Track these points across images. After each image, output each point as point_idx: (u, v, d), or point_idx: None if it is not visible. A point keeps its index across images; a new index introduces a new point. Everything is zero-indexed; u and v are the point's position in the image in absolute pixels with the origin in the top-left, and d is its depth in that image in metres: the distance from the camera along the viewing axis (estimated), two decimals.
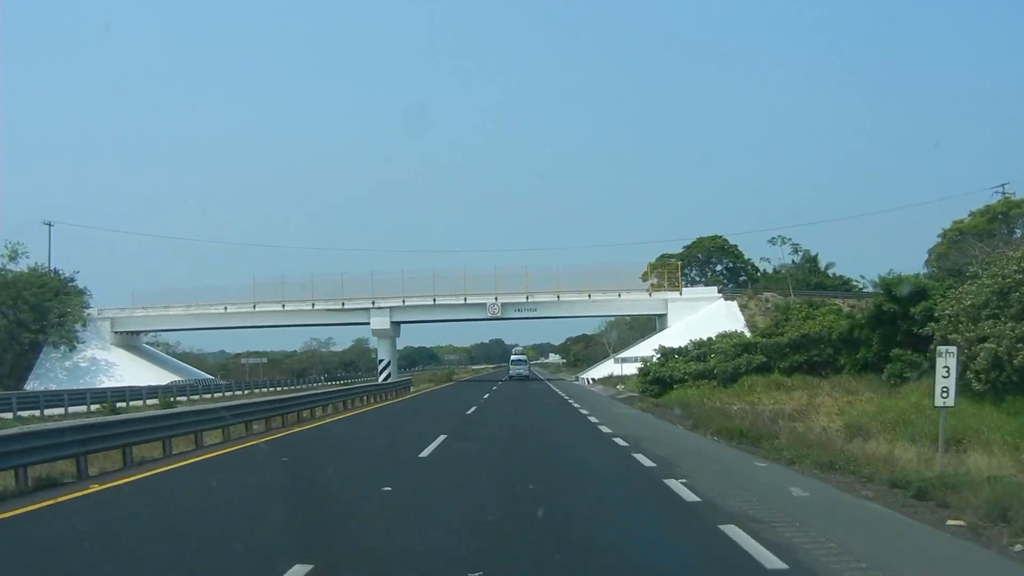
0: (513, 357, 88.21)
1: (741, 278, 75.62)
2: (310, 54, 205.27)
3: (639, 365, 43.99)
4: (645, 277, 68.39)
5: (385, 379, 63.49)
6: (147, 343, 78.69)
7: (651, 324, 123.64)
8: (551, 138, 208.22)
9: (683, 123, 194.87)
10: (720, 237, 76.29)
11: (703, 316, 61.87)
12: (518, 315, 64.07)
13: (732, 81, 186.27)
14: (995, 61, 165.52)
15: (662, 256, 75.01)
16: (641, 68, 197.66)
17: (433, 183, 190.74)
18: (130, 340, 70.07)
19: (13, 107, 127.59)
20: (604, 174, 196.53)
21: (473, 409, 32.59)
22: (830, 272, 71.20)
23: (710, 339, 41.02)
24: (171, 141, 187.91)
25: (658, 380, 38.72)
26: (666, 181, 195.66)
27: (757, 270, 76.23)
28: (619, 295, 63.25)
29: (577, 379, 67.63)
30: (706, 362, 35.96)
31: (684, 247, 75.56)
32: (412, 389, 53.80)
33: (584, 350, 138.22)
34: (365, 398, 38.18)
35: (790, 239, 63.07)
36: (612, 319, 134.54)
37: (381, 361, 65.37)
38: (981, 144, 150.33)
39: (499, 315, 62.59)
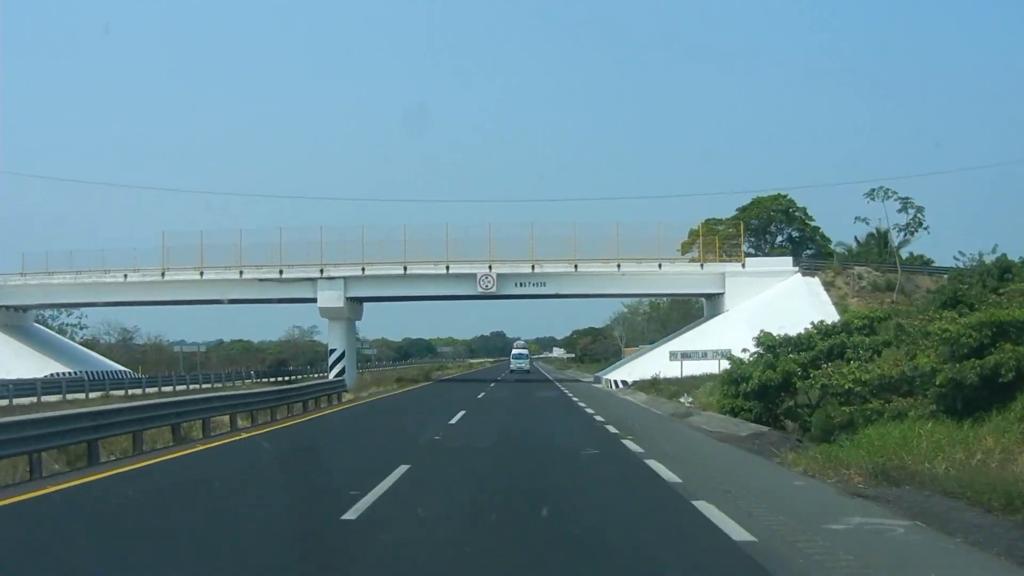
0: (514, 351, 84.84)
1: (807, 251, 58.32)
2: (309, 54, 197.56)
3: (719, 362, 26.91)
4: (685, 249, 51.04)
5: (337, 376, 46.42)
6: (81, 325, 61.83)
7: (691, 309, 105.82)
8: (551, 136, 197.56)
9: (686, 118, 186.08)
10: (784, 196, 58.96)
11: (775, 296, 44.74)
12: (520, 291, 46.79)
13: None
14: (995, 60, 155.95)
15: (707, 222, 57.76)
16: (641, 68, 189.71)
17: (433, 183, 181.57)
18: (13, 318, 53.06)
19: None
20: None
21: (393, 479, 13.65)
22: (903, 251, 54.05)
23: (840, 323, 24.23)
24: (173, 141, 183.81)
25: (763, 391, 21.75)
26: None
27: (828, 240, 58.96)
28: (659, 266, 45.96)
29: (598, 380, 50.27)
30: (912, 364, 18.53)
31: (738, 209, 58.16)
32: (361, 395, 36.81)
33: (592, 344, 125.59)
34: (253, 414, 21.23)
35: (894, 192, 45.50)
36: (626, 307, 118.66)
37: (332, 352, 48.18)
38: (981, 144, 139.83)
39: (493, 290, 45.36)
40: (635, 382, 39.51)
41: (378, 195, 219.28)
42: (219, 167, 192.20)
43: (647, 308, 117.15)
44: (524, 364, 78.05)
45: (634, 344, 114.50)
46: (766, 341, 23.34)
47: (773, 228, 59.36)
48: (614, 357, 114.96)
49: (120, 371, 60.00)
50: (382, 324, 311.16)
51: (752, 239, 59.61)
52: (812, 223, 58.32)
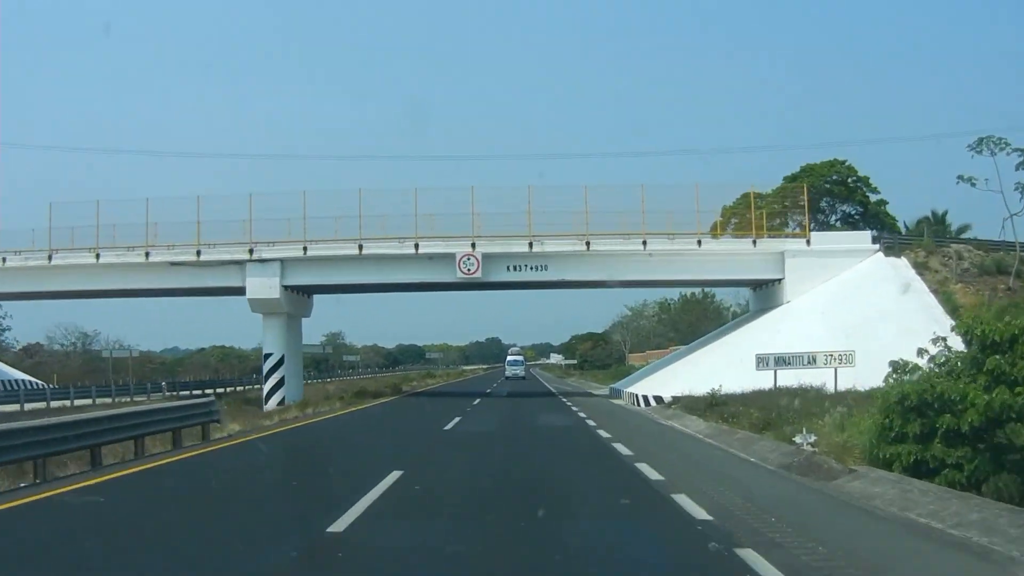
0: (509, 357, 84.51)
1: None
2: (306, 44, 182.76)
3: (834, 373, 15.46)
4: (716, 232, 39.44)
5: (275, 388, 35.17)
6: None
7: (707, 310, 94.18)
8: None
9: None
10: (841, 163, 47.53)
11: (852, 282, 33.65)
12: (514, 277, 35.27)
13: None
14: None
15: (743, 198, 46.42)
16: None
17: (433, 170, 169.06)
18: None
19: None
20: None
21: None
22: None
23: None
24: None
25: (985, 430, 10.51)
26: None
27: (893, 220, 47.58)
28: (698, 243, 34.55)
29: (616, 394, 38.72)
30: None
31: (785, 178, 46.68)
32: (285, 418, 25.32)
33: (592, 350, 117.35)
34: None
35: (1006, 142, 33.91)
36: (630, 309, 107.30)
37: (267, 358, 36.61)
38: None
39: (478, 276, 33.90)
40: (675, 399, 28.11)
41: (332, 151, 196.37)
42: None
43: (655, 309, 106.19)
44: (520, 370, 78.39)
45: (639, 350, 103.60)
46: (988, 334, 11.87)
47: (825, 204, 48.07)
48: (617, 363, 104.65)
49: (20, 380, 48.96)
50: (374, 330, 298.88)
51: (798, 218, 48.12)
52: (877, 195, 47.08)
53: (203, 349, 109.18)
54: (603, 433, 18.59)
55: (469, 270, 33.66)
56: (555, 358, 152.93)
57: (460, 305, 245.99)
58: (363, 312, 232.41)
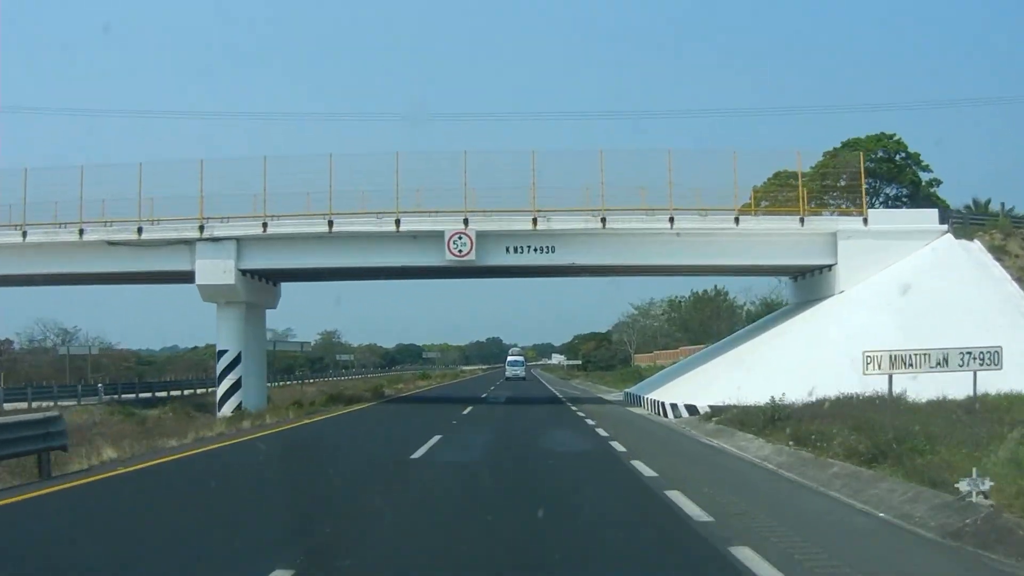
0: (510, 357, 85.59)
1: None
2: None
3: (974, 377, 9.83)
4: (749, 210, 33.38)
5: (230, 392, 29.64)
6: None
7: (720, 308, 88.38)
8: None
9: None
10: (890, 137, 41.72)
11: (918, 269, 28.04)
12: (515, 260, 29.38)
13: None
14: None
15: (776, 177, 40.73)
16: None
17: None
18: None
19: None
20: None
21: None
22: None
23: None
24: None
25: None
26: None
27: (944, 203, 41.74)
28: (735, 220, 28.81)
29: (634, 401, 32.94)
30: None
31: (825, 154, 40.76)
32: (222, 434, 19.60)
33: (596, 351, 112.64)
34: None
35: None
36: (635, 307, 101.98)
37: (221, 355, 30.83)
38: None
39: (471, 259, 28.11)
40: (714, 409, 22.41)
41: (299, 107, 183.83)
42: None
43: (664, 307, 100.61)
44: (520, 371, 79.55)
45: (646, 350, 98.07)
46: None
47: (868, 185, 42.29)
48: (622, 365, 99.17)
49: None
50: (373, 329, 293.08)
51: (836, 201, 42.30)
52: (929, 174, 41.31)
53: (195, 348, 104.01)
54: (643, 468, 12.87)
55: (461, 252, 27.95)
56: (557, 358, 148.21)
57: (460, 303, 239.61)
58: (362, 311, 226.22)
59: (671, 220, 28.27)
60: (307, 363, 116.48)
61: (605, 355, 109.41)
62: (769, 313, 75.71)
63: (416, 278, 35.44)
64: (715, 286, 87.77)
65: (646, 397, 29.81)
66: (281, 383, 54.83)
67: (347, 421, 24.82)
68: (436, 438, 17.18)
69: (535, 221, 28.22)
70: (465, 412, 26.75)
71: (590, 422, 22.53)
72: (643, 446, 16.51)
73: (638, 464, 13.23)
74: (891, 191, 43.51)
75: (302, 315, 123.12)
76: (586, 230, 28.38)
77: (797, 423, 16.47)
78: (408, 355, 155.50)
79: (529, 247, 28.68)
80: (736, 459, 15.50)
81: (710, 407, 23.39)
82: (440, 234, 28.13)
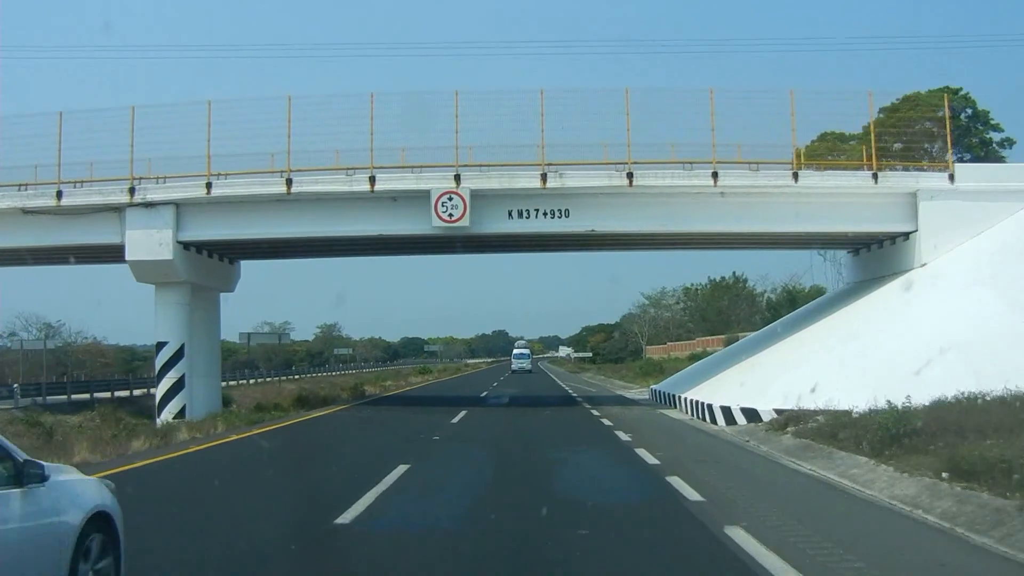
0: (516, 351, 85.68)
1: None
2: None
3: None
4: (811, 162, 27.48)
5: (171, 393, 24.07)
6: None
7: (740, 295, 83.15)
8: None
9: None
10: (955, 92, 35.72)
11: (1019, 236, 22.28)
12: (520, 227, 23.39)
13: None
14: None
15: (823, 138, 34.95)
16: None
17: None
18: None
19: None
20: None
21: None
22: None
23: None
24: None
25: None
26: None
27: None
28: (794, 176, 23.00)
29: (664, 399, 27.19)
30: None
31: (882, 110, 34.78)
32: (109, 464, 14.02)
33: (605, 343, 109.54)
34: None
35: None
36: (647, 297, 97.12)
37: (160, 348, 25.06)
38: None
39: (464, 225, 22.28)
40: (782, 414, 16.76)
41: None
42: None
43: (679, 296, 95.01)
44: (526, 364, 78.94)
45: (658, 342, 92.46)
46: None
47: (927, 149, 36.43)
48: (632, 357, 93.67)
49: None
50: (376, 322, 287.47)
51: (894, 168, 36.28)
52: (1000, 133, 35.49)
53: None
54: (752, 546, 7.11)
55: (451, 216, 22.21)
56: (564, 351, 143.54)
57: (464, 293, 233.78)
58: (365, 303, 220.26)
59: (714, 176, 22.52)
60: (307, 357, 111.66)
61: (615, 347, 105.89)
62: (792, 301, 70.28)
63: (398, 252, 29.53)
64: (733, 272, 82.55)
65: (682, 396, 24.04)
66: (261, 380, 49.26)
67: (289, 437, 18.47)
68: (396, 473, 11.33)
69: (544, 178, 22.45)
70: (455, 420, 20.89)
71: (622, 436, 16.77)
72: (719, 483, 10.82)
73: (738, 535, 7.52)
74: (955, 155, 37.58)
75: (306, 308, 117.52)
76: (608, 188, 22.58)
77: (919, 438, 10.80)
78: (412, 349, 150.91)
79: (537, 211, 22.90)
80: (873, 508, 9.78)
81: (776, 412, 17.74)
82: (425, 194, 22.38)
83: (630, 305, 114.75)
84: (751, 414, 18.48)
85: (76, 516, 5.16)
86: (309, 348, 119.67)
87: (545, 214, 22.89)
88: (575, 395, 33.72)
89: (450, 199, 22.20)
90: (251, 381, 49.36)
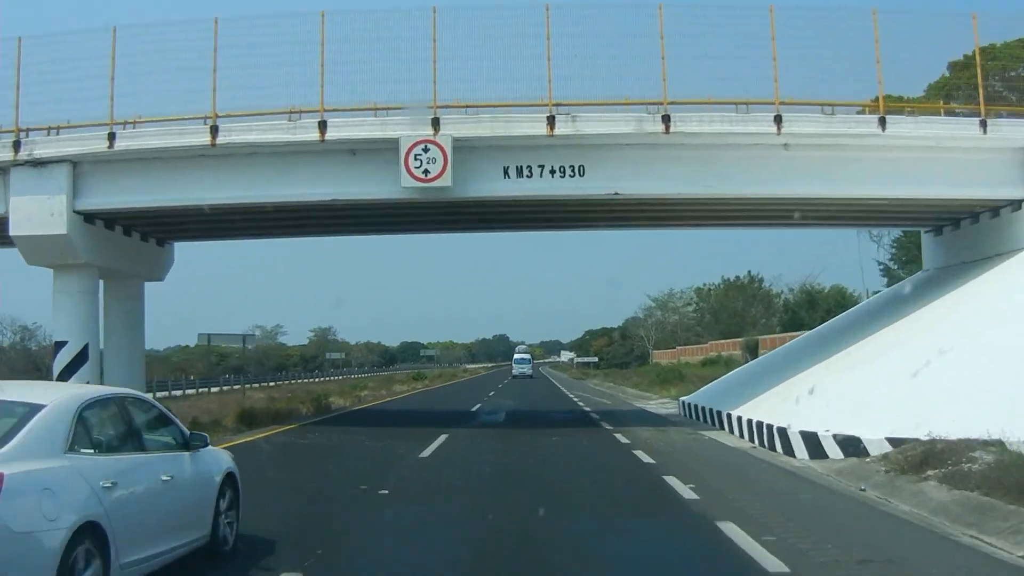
0: (516, 356, 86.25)
1: None
2: None
3: None
4: (901, 105, 21.69)
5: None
6: None
7: (755, 295, 79.12)
8: None
9: None
10: None
11: None
12: (518, 189, 17.66)
13: None
14: None
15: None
16: None
17: None
18: None
19: None
20: None
21: None
22: None
23: None
24: None
25: None
26: None
27: None
28: (880, 123, 17.38)
29: (706, 415, 21.53)
30: None
31: (951, 64, 29.12)
32: None
33: (609, 347, 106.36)
34: None
35: None
36: (653, 299, 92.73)
37: (59, 348, 19.40)
38: None
39: (444, 185, 16.71)
40: (902, 444, 11.17)
41: None
42: None
43: (690, 296, 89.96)
44: (527, 369, 79.53)
45: (665, 346, 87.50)
46: None
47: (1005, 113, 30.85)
48: (638, 362, 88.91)
49: None
50: (375, 327, 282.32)
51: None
52: None
53: (186, 346, 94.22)
54: None
55: (428, 174, 16.56)
56: (566, 356, 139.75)
57: (463, 296, 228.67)
58: (363, 307, 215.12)
59: (777, 120, 16.87)
60: (300, 362, 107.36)
61: (619, 352, 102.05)
62: (812, 302, 64.69)
63: (359, 227, 22.87)
64: (748, 272, 77.53)
65: (733, 415, 18.30)
66: (228, 389, 43.72)
67: None
68: None
69: (552, 122, 16.76)
70: (427, 452, 14.70)
71: (676, 485, 10.88)
72: None
73: None
74: None
75: (303, 311, 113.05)
76: (637, 136, 16.89)
77: None
78: (410, 353, 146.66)
79: (543, 167, 17.18)
80: None
81: (890, 442, 12.12)
82: (393, 145, 16.69)
83: (634, 308, 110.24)
84: (850, 445, 12.80)
85: (219, 474, 7.39)
86: (303, 352, 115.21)
87: (553, 172, 17.18)
88: (588, 409, 27.82)
89: (426, 150, 16.55)
90: (220, 389, 43.98)
